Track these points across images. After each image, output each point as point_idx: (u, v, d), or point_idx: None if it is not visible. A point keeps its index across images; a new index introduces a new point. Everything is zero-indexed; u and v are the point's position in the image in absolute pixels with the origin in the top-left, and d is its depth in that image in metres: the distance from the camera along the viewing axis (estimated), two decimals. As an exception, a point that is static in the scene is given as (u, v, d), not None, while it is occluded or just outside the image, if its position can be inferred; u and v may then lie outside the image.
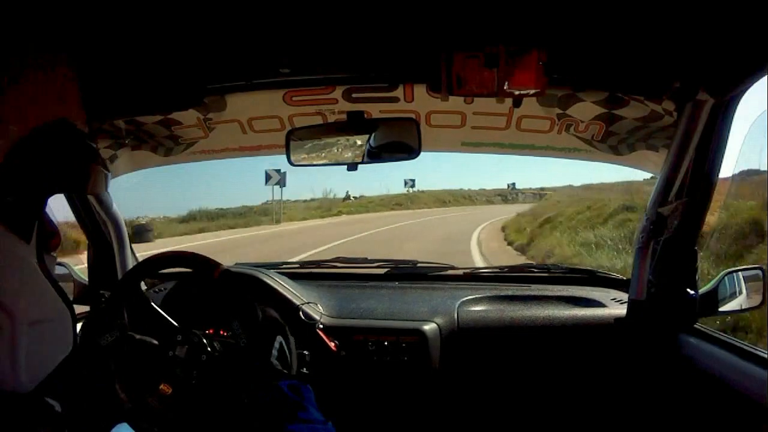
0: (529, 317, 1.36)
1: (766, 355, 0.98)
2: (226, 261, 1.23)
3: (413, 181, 35.30)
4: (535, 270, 1.71)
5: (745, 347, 1.04)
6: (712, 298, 1.22)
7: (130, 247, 1.57)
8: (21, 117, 0.45)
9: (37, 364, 0.46)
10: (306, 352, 1.27)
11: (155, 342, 1.10)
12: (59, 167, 0.49)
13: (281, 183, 20.50)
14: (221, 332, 1.16)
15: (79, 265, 1.57)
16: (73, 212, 1.47)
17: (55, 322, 0.49)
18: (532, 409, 1.35)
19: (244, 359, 1.08)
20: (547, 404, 1.34)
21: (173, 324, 1.11)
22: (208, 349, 1.09)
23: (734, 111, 1.08)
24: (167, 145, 1.63)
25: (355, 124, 1.34)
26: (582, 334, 1.33)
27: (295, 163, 1.37)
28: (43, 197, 0.51)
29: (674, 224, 1.18)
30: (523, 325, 1.35)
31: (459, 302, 1.42)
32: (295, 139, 1.38)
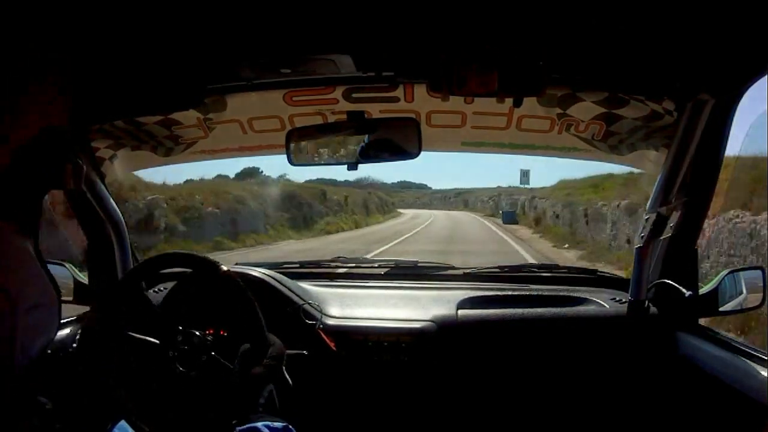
0: (529, 317, 1.35)
1: (766, 356, 0.98)
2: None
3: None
4: (535, 270, 1.70)
5: (745, 347, 1.04)
6: (712, 298, 1.22)
7: (131, 247, 1.57)
8: (22, 119, 0.47)
9: (29, 346, 0.50)
10: (306, 352, 1.27)
11: (155, 342, 1.11)
12: (49, 168, 0.54)
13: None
14: (221, 332, 1.16)
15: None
16: (74, 212, 1.47)
17: (47, 307, 0.53)
18: (533, 409, 1.35)
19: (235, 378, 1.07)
20: (547, 404, 1.34)
21: (173, 324, 1.11)
22: (208, 348, 1.10)
23: (734, 111, 1.08)
24: (167, 145, 1.62)
25: (355, 124, 1.33)
26: (582, 334, 1.33)
27: (296, 163, 1.38)
28: (41, 195, 0.56)
29: (674, 224, 1.18)
30: (522, 325, 1.35)
31: (459, 302, 1.41)
32: (296, 139, 1.38)
